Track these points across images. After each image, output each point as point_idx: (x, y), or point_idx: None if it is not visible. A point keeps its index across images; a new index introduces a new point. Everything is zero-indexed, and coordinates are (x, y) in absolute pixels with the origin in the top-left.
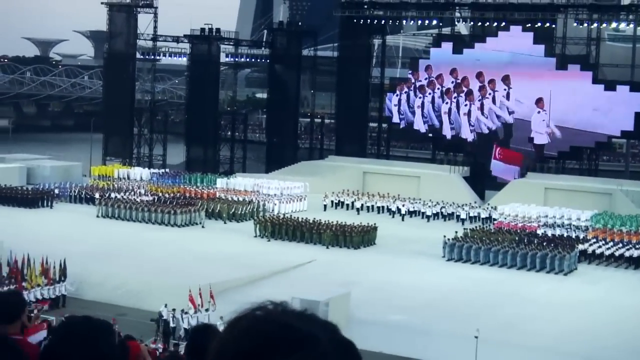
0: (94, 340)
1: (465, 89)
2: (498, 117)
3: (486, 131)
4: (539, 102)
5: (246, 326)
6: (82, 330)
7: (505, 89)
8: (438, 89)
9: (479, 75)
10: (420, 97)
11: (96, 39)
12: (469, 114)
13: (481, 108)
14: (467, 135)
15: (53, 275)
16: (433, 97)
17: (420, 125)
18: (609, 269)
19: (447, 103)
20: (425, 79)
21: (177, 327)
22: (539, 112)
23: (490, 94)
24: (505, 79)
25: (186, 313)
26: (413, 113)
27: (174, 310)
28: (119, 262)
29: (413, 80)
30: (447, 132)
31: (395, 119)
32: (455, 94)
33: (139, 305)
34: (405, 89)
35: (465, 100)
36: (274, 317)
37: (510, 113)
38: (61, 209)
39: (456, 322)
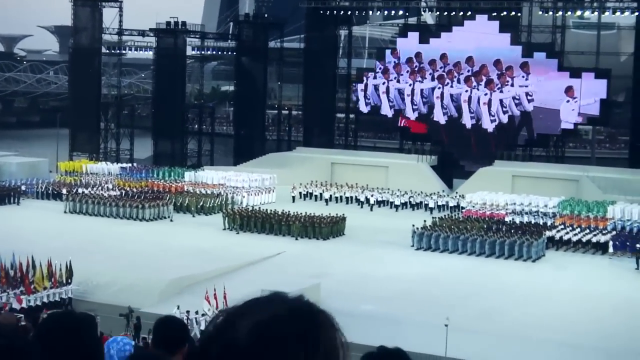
0: (76, 332)
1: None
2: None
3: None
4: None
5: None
6: (65, 323)
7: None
8: (407, 71)
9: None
10: (384, 83)
11: (61, 34)
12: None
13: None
14: (440, 118)
15: (59, 278)
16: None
17: (387, 111)
18: (577, 254)
19: (438, 88)
20: (390, 62)
21: (191, 329)
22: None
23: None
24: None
25: (204, 315)
26: (379, 98)
27: (187, 312)
28: (89, 258)
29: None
30: (411, 115)
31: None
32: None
33: (109, 301)
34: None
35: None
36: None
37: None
38: (28, 205)
39: (426, 311)
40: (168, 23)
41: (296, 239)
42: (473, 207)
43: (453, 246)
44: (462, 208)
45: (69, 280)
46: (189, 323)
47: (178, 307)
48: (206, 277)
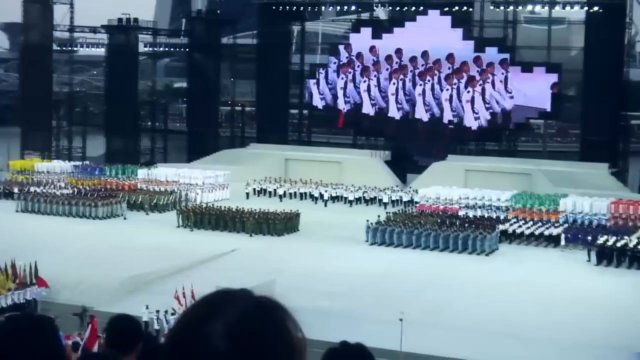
0: (36, 336)
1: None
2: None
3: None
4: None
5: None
6: (24, 326)
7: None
8: (358, 66)
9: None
10: (342, 79)
11: (11, 31)
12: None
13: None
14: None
15: (24, 279)
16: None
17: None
18: (529, 247)
19: (393, 83)
20: (346, 57)
21: (161, 328)
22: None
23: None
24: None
25: (174, 314)
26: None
27: (157, 312)
28: (41, 257)
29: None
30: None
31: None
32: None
33: (62, 300)
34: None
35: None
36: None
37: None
38: None
39: (381, 306)
40: (120, 20)
41: (250, 235)
42: (427, 201)
43: (407, 241)
44: (416, 203)
45: (34, 282)
46: (159, 322)
47: (147, 307)
48: (161, 275)
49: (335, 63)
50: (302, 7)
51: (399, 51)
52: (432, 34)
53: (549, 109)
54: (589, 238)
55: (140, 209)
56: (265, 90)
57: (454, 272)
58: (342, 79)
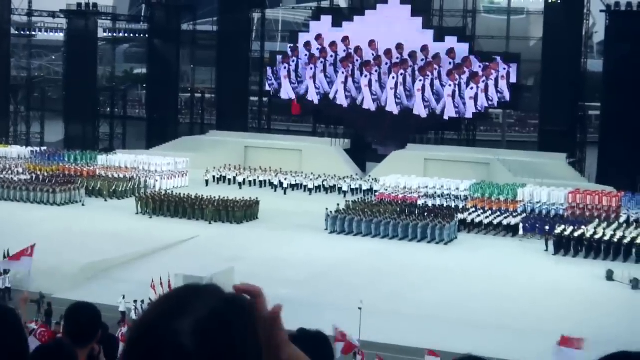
0: (2, 327)
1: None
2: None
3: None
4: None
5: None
6: None
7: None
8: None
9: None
10: (312, 68)
11: None
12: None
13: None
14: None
15: None
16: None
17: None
18: (488, 237)
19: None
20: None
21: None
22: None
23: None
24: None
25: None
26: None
27: (135, 302)
28: (1, 243)
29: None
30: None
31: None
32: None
33: (18, 286)
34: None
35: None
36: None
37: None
38: None
39: (341, 294)
40: (79, 4)
41: (210, 223)
42: (386, 190)
43: (366, 229)
44: (376, 192)
45: (6, 270)
46: (137, 313)
47: (124, 297)
48: (120, 262)
49: (306, 55)
50: None
51: (371, 42)
52: (392, 23)
53: (508, 99)
54: (547, 228)
55: (99, 195)
56: (226, 77)
57: (413, 261)
58: (311, 68)
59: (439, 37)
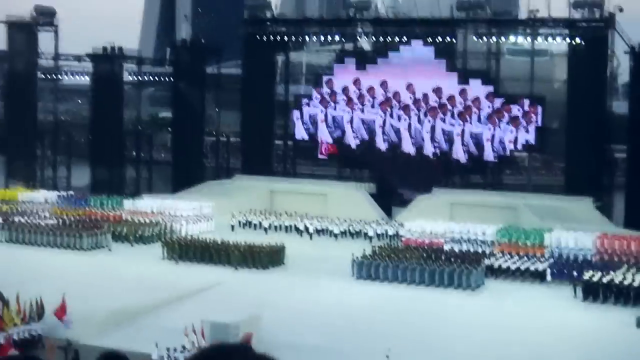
0: None
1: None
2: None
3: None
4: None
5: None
6: None
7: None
8: (344, 99)
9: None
10: (322, 111)
11: None
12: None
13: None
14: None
15: (31, 314)
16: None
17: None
18: (515, 282)
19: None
20: (327, 93)
21: None
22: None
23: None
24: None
25: (183, 351)
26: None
27: (167, 349)
28: (27, 288)
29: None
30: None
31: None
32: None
33: (46, 333)
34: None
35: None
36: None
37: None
38: None
39: (368, 342)
40: (105, 48)
41: (236, 268)
42: (412, 235)
43: (393, 275)
44: (401, 236)
45: (40, 317)
46: None
47: (157, 345)
48: (146, 308)
49: (317, 97)
50: (286, 37)
51: (383, 83)
52: (416, 65)
53: (533, 142)
54: (575, 273)
55: (125, 240)
56: (250, 120)
57: (440, 308)
58: (322, 111)
59: (463, 80)
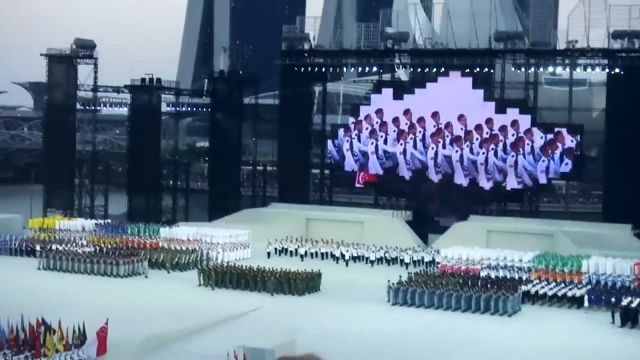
0: None
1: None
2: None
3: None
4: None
5: None
6: None
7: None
8: (394, 131)
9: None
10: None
11: (35, 90)
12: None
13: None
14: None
15: (73, 340)
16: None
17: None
18: (552, 309)
19: (401, 144)
20: (377, 122)
21: None
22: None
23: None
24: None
25: None
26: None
27: None
28: (65, 316)
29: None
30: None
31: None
32: (412, 135)
33: (82, 356)
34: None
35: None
36: None
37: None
38: (1, 261)
39: None
40: (143, 80)
41: (272, 294)
42: (448, 262)
43: (429, 301)
44: (438, 263)
45: (82, 343)
46: None
47: None
48: (183, 334)
49: (367, 128)
50: (323, 69)
51: (435, 114)
52: (454, 95)
53: (571, 171)
54: (613, 299)
55: (162, 267)
56: (287, 149)
57: (477, 334)
58: (372, 143)
59: (500, 109)
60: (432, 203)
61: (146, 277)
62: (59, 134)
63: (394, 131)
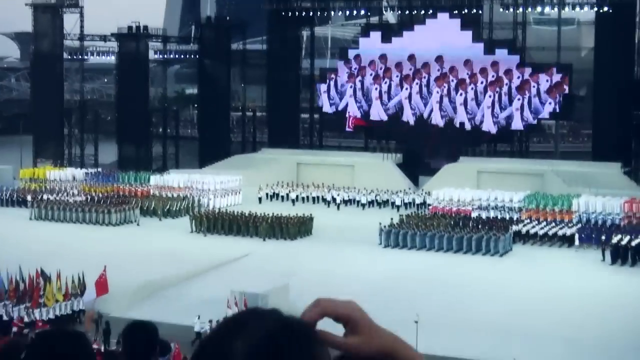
0: (68, 351)
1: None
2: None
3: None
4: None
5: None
6: (56, 342)
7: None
8: (371, 74)
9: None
10: (351, 86)
11: (22, 40)
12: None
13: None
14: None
15: (72, 290)
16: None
17: (355, 111)
18: (543, 248)
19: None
20: (355, 68)
21: None
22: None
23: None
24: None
25: None
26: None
27: (210, 321)
28: (58, 264)
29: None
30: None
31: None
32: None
33: (91, 308)
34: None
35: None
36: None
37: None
38: None
39: (396, 308)
40: (130, 27)
41: (264, 239)
42: (439, 203)
43: (420, 243)
44: (429, 205)
45: (82, 293)
46: None
47: (198, 317)
48: (176, 280)
49: (347, 72)
50: (311, 12)
51: (411, 57)
52: (442, 37)
53: (560, 110)
54: (603, 237)
55: (154, 214)
56: (276, 95)
57: (468, 274)
58: (351, 86)
59: (489, 50)
60: (424, 146)
61: (138, 224)
62: (47, 84)
63: (397, 76)
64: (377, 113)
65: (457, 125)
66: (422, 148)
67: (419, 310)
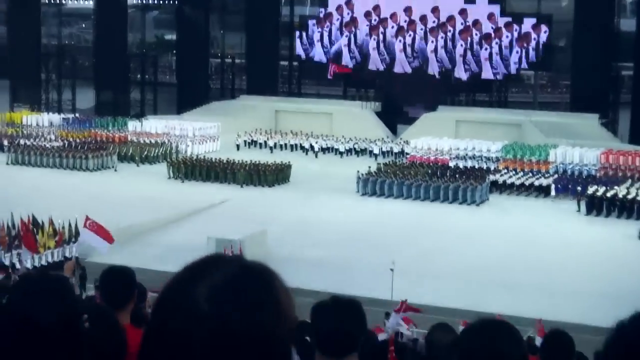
0: (55, 294)
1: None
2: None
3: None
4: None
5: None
6: (39, 286)
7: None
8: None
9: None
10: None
11: None
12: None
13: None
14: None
15: (64, 236)
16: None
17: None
18: (520, 198)
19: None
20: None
21: None
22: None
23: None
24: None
25: None
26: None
27: None
28: (35, 209)
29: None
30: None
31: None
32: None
33: (85, 255)
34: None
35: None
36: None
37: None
38: None
39: (372, 256)
40: None
41: (241, 186)
42: (417, 152)
43: (398, 191)
44: (407, 154)
45: (74, 239)
46: None
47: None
48: (153, 226)
49: (338, 19)
50: None
51: (376, 8)
52: None
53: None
54: (579, 188)
55: (131, 160)
56: (255, 42)
57: (445, 222)
58: (346, 36)
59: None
60: (400, 94)
61: (115, 170)
62: (24, 28)
63: (367, 25)
64: (374, 64)
65: (435, 74)
66: (399, 96)
67: (394, 258)
